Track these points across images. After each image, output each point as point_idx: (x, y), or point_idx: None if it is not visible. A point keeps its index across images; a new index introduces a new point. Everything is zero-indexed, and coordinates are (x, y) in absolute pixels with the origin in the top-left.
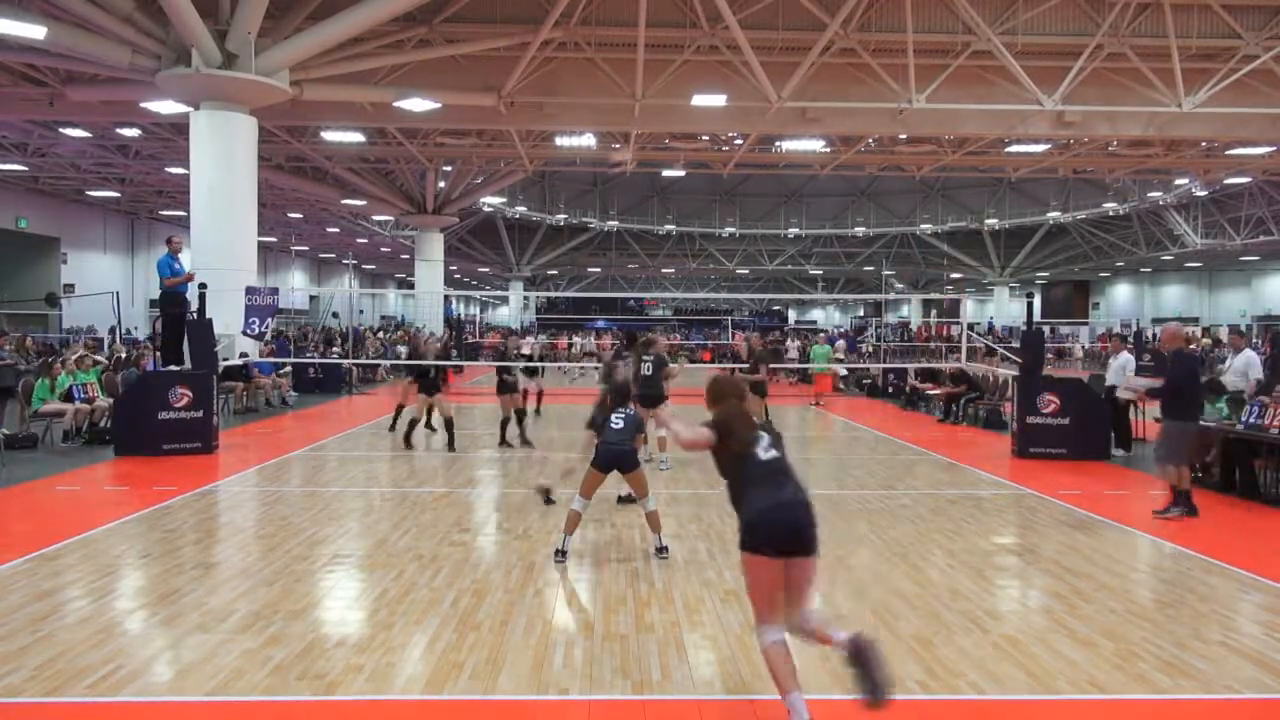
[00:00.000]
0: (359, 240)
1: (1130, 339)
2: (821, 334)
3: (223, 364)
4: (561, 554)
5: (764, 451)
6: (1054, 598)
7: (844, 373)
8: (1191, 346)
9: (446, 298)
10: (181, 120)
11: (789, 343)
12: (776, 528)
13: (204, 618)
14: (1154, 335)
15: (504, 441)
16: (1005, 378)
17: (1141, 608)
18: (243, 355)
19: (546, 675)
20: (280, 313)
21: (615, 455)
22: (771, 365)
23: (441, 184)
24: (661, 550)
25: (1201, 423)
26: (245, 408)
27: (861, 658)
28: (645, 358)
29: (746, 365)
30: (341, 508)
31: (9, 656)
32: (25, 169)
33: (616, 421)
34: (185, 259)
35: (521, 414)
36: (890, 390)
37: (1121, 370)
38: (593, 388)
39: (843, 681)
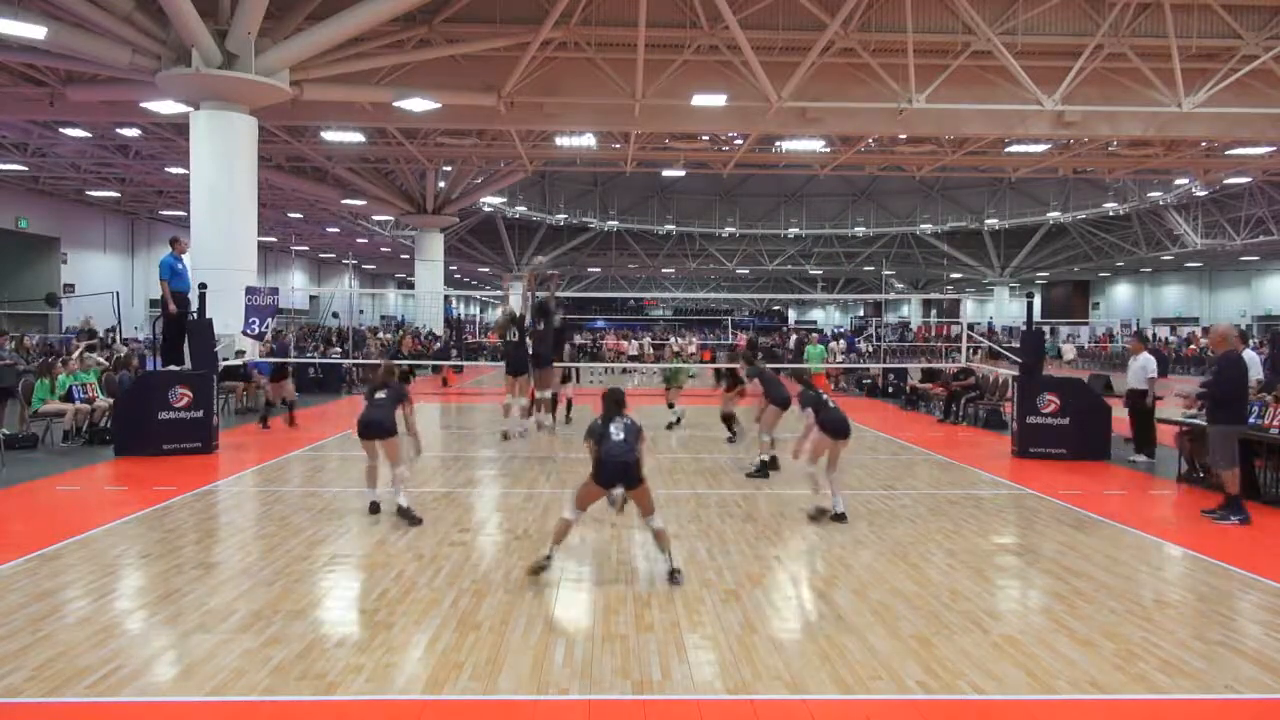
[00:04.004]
0: (359, 240)
1: (1147, 339)
2: (815, 334)
3: (223, 364)
4: (547, 559)
5: None
6: (1054, 598)
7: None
8: (1246, 348)
9: (446, 298)
10: (181, 120)
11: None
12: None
13: (204, 618)
14: (1153, 335)
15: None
16: (1005, 378)
17: (1141, 608)
18: (239, 353)
19: (546, 675)
20: (280, 313)
21: (620, 468)
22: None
23: (441, 184)
24: (675, 574)
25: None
26: (245, 408)
27: None
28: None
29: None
30: (341, 508)
31: (9, 656)
32: (25, 169)
33: (616, 432)
34: (186, 259)
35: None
36: (890, 390)
37: (1142, 371)
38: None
39: (843, 681)
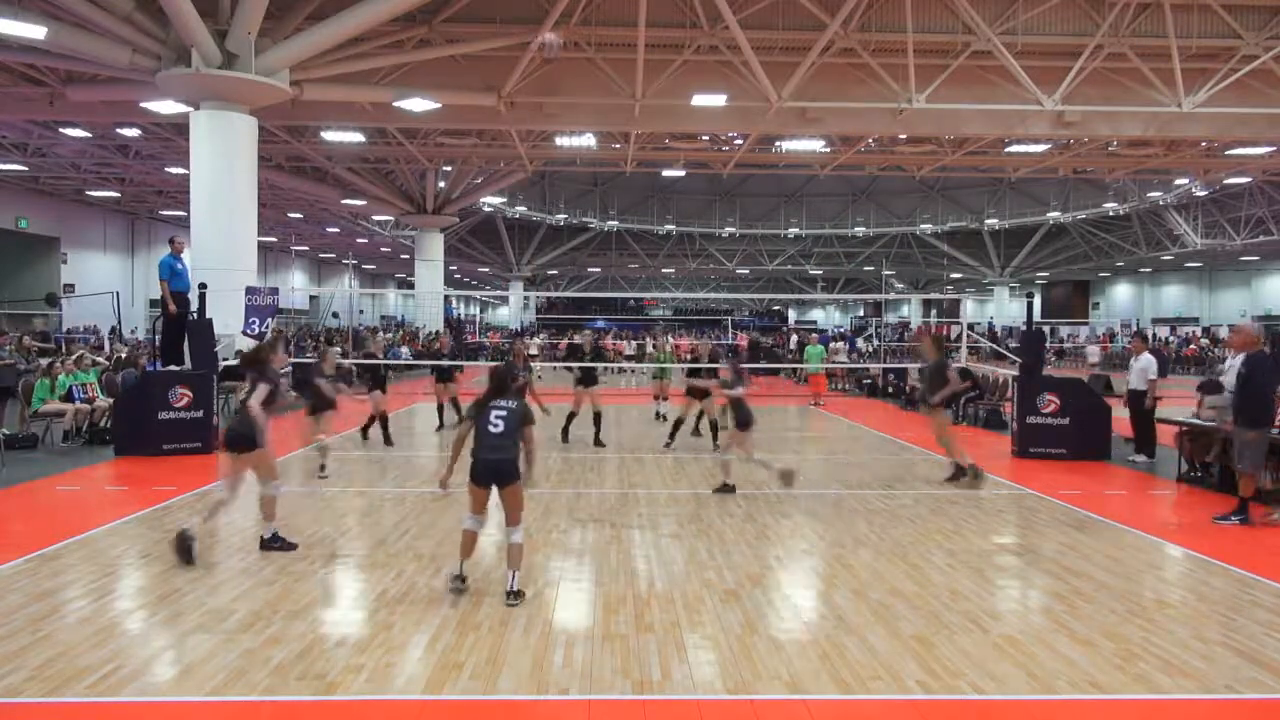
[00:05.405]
0: (359, 240)
1: (1148, 340)
2: (814, 334)
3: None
4: (459, 579)
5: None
6: (1054, 598)
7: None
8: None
9: (446, 298)
10: (181, 120)
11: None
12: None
13: (204, 618)
14: (1153, 335)
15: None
16: (1005, 378)
17: (1141, 608)
18: (238, 353)
19: (546, 675)
20: (280, 313)
21: (490, 467)
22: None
23: (441, 184)
24: (511, 595)
25: (1202, 422)
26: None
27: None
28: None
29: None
30: (342, 508)
31: (9, 656)
32: (25, 169)
33: (496, 421)
34: (186, 259)
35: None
36: (890, 390)
37: (1143, 373)
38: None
39: (843, 681)
